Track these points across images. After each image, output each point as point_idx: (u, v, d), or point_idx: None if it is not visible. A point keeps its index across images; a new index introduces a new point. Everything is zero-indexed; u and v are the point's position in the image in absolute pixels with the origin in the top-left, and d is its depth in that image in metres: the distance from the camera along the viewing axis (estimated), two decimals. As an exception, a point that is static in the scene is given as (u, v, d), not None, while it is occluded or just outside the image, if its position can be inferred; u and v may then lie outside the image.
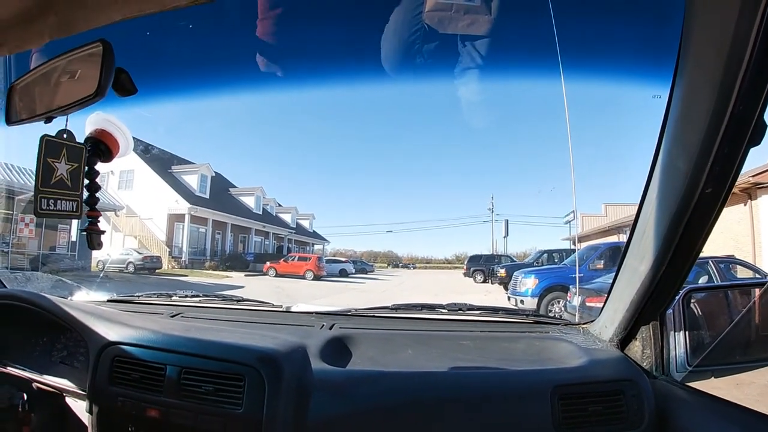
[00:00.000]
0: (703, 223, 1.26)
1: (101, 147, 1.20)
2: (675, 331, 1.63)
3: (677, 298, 1.62)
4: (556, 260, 16.15)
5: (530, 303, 10.33)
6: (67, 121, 1.10)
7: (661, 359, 1.61)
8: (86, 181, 1.16)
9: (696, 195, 1.19)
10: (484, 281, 20.19)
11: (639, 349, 1.65)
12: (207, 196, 26.33)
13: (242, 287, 15.73)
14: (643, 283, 1.49)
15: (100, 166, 1.22)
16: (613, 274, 1.71)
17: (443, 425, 1.46)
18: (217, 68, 1.96)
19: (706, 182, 1.15)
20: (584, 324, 2.00)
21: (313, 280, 21.03)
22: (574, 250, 18.28)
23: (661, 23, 1.39)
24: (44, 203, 1.08)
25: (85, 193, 1.17)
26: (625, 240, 1.63)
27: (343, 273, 25.12)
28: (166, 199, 24.33)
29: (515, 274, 11.79)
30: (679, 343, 1.62)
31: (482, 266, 21.12)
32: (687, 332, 1.62)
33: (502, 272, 16.28)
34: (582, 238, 24.28)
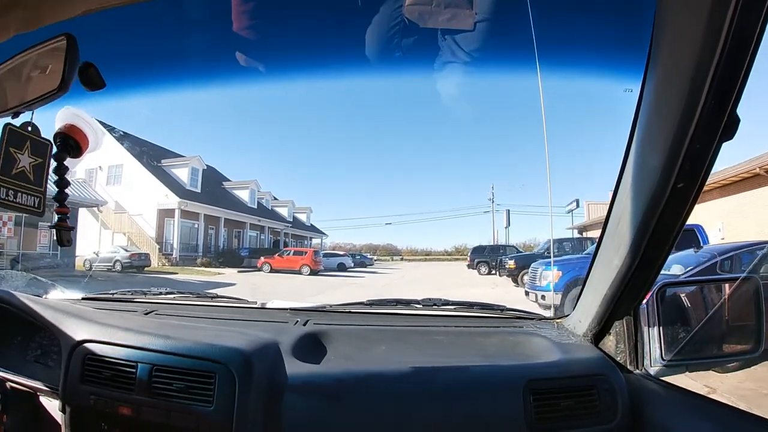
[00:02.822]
0: (676, 219, 1.27)
1: (70, 142, 1.21)
2: (649, 326, 1.63)
3: (651, 292, 1.60)
4: (567, 250, 14.97)
5: (552, 299, 9.23)
6: (32, 114, 1.11)
7: (635, 354, 1.63)
8: (55, 177, 1.18)
9: (668, 190, 1.19)
10: (489, 273, 19.69)
11: (613, 344, 1.68)
12: (198, 190, 26.07)
13: (233, 285, 15.45)
14: (616, 277, 1.50)
15: (72, 162, 1.24)
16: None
17: (416, 421, 1.47)
18: (193, 61, 1.92)
19: (678, 177, 1.15)
20: (559, 319, 2.03)
21: (309, 275, 20.76)
22: (585, 239, 17.12)
23: (633, 14, 1.38)
24: (2, 192, 1.09)
25: (55, 189, 1.19)
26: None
27: (342, 267, 24.69)
28: (156, 193, 24.08)
29: (533, 266, 10.74)
30: (653, 337, 1.62)
31: (486, 258, 20.61)
32: (661, 327, 1.61)
33: (510, 264, 15.48)
34: (588, 227, 23.96)
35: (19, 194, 1.12)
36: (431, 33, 1.65)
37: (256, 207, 29.67)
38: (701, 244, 10.06)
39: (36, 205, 1.15)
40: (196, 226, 25.33)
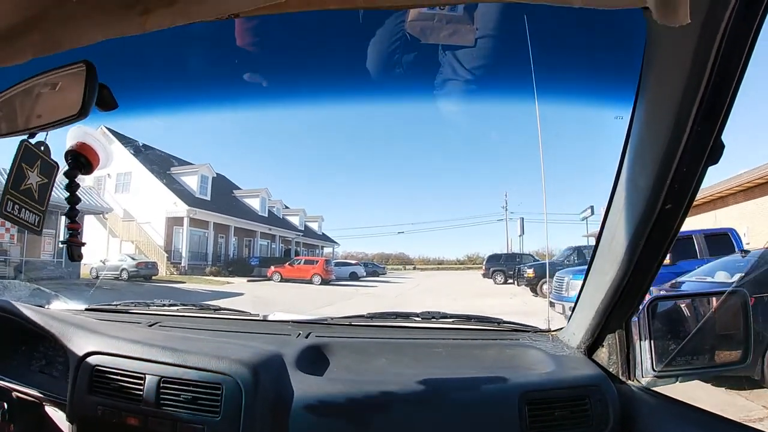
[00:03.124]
0: (664, 237, 1.32)
1: (81, 160, 1.21)
2: (640, 338, 1.67)
3: (642, 306, 1.64)
4: (587, 258, 13.99)
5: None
6: (47, 135, 1.12)
7: (627, 365, 1.68)
8: (66, 194, 1.20)
9: (656, 211, 1.24)
10: (505, 282, 19.21)
11: (606, 355, 1.72)
12: (208, 198, 25.78)
13: (240, 294, 15.16)
14: (608, 291, 1.55)
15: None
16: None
17: (415, 431, 1.51)
18: (204, 84, 1.98)
19: (666, 199, 1.21)
20: (554, 331, 2.07)
21: (320, 284, 20.32)
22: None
23: (624, 47, 1.41)
24: (9, 206, 1.10)
25: (66, 205, 1.21)
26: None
27: (354, 276, 24.24)
28: (164, 201, 23.86)
29: (559, 275, 10.34)
30: (644, 349, 1.66)
31: (502, 266, 20.05)
32: (652, 339, 1.65)
33: (530, 273, 15.12)
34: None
35: (24, 210, 1.13)
36: (436, 47, 1.70)
37: (266, 215, 29.33)
38: (736, 249, 10.06)
39: (36, 223, 1.15)
40: (205, 234, 25.07)
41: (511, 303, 12.78)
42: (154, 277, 20.50)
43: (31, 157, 1.13)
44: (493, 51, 1.66)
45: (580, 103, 1.79)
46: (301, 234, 32.13)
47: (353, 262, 27.58)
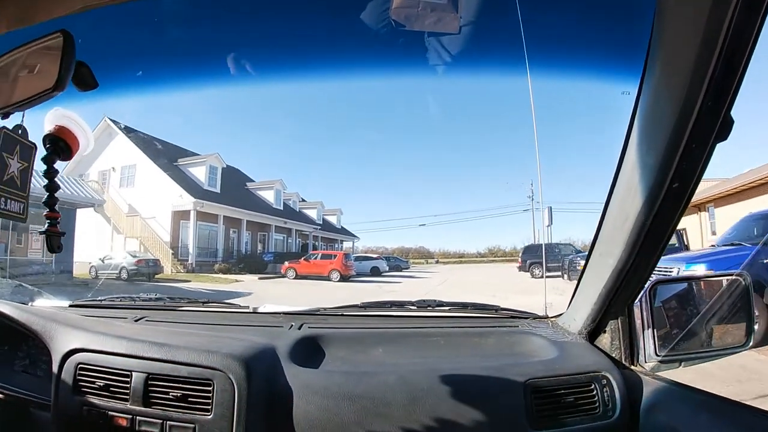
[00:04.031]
0: (670, 218, 1.31)
1: (60, 144, 1.15)
2: (643, 323, 1.67)
3: (644, 290, 1.63)
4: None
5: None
6: (23, 116, 1.11)
7: (630, 350, 1.68)
8: (45, 181, 1.14)
9: (663, 190, 1.23)
10: (544, 275, 17.34)
11: (608, 341, 1.72)
12: (217, 190, 24.17)
13: (248, 294, 13.59)
14: (611, 276, 1.54)
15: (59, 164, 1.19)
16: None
17: (417, 424, 1.46)
18: (197, 60, 1.84)
19: (674, 177, 1.19)
20: (553, 317, 2.07)
21: (339, 281, 18.56)
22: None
23: (631, 18, 1.40)
24: (6, 203, 1.11)
25: (45, 194, 1.15)
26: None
27: (375, 271, 22.57)
28: (170, 194, 22.32)
29: (664, 263, 8.30)
30: (647, 334, 1.66)
31: (540, 258, 18.18)
32: (655, 323, 1.65)
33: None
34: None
35: (9, 201, 1.12)
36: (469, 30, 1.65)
37: (282, 208, 27.85)
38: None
39: (21, 211, 1.15)
40: (216, 229, 23.50)
41: (562, 301, 10.78)
42: (157, 276, 19.00)
43: (10, 144, 1.10)
44: (491, 26, 1.61)
45: (583, 78, 1.69)
46: (319, 228, 30.71)
47: (374, 256, 25.84)
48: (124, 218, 22.90)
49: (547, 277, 16.86)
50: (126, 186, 23.64)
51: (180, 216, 22.34)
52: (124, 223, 22.89)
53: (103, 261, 19.21)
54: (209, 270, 21.12)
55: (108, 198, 22.81)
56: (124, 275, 18.07)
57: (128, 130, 23.53)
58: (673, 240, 15.17)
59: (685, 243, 13.84)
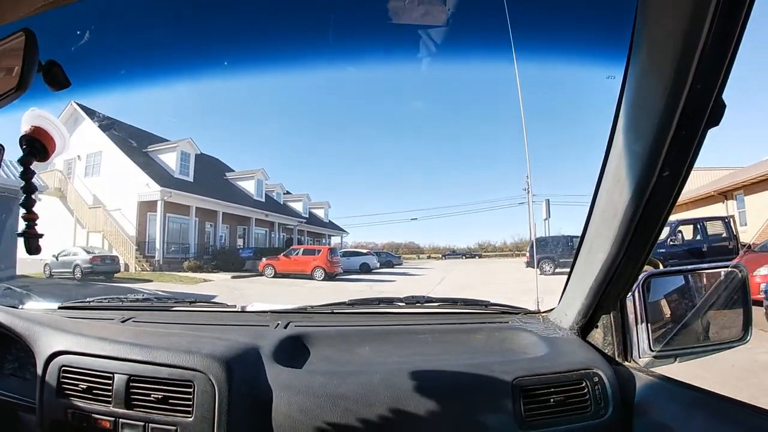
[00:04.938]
0: (661, 208, 1.29)
1: (36, 145, 1.13)
2: (636, 317, 1.66)
3: (637, 283, 1.63)
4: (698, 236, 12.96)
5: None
6: None
7: (623, 346, 1.67)
8: (22, 182, 1.13)
9: (653, 179, 1.21)
10: (555, 272, 15.54)
11: (600, 336, 1.71)
12: (190, 178, 21.88)
13: (213, 297, 11.24)
14: (601, 269, 1.53)
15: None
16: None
17: (402, 424, 1.46)
18: (169, 55, 1.84)
19: (663, 165, 1.17)
20: (544, 312, 2.06)
21: (324, 280, 16.64)
22: (719, 218, 14.93)
23: None
24: None
25: (22, 195, 1.13)
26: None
27: (365, 268, 20.77)
28: (138, 184, 20.07)
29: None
30: (640, 329, 1.64)
31: (553, 253, 16.37)
32: (648, 318, 1.64)
33: None
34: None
35: None
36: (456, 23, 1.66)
37: (263, 200, 25.66)
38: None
39: None
40: (188, 222, 21.34)
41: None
42: (117, 275, 17.08)
43: None
44: (476, 15, 1.60)
45: (569, 62, 1.67)
46: (304, 221, 28.52)
47: (364, 251, 23.82)
48: (86, 210, 20.76)
49: (558, 273, 15.01)
50: (91, 175, 21.43)
51: (147, 207, 20.15)
52: (87, 216, 20.73)
53: (57, 258, 17.17)
54: (178, 268, 19.15)
55: (71, 189, 20.88)
56: (78, 274, 16.21)
57: (93, 114, 21.24)
58: (720, 229, 13.73)
59: (734, 233, 12.49)
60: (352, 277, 18.13)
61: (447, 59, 1.75)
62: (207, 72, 1.90)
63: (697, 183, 22.94)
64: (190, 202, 20.76)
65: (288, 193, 28.43)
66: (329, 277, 16.72)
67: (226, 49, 1.76)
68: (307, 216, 28.79)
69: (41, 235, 1.12)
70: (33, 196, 1.13)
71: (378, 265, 21.96)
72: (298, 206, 28.48)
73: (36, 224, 1.12)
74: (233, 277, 17.28)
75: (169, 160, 21.50)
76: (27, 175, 1.11)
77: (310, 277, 16.48)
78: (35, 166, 1.12)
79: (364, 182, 40.23)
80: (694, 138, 1.08)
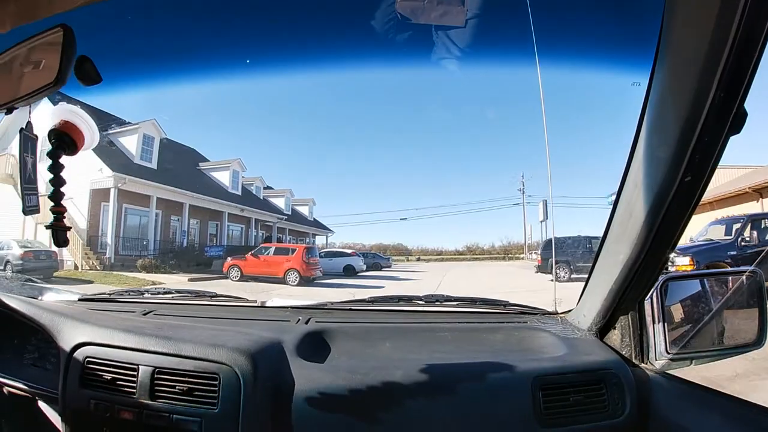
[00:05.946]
0: (683, 212, 1.30)
1: (65, 139, 1.16)
2: (653, 320, 1.64)
3: (655, 286, 1.61)
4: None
5: None
6: (30, 111, 1.13)
7: (641, 348, 1.66)
8: (50, 175, 1.14)
9: (675, 183, 1.22)
10: (570, 278, 13.38)
11: (618, 338, 1.71)
12: (153, 165, 19.62)
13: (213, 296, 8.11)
14: (621, 272, 1.53)
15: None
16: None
17: (424, 420, 1.48)
18: (191, 54, 1.91)
19: (686, 170, 1.18)
20: (562, 313, 2.06)
21: (298, 285, 14.44)
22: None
23: (641, 7, 1.41)
24: (29, 200, 1.13)
25: (50, 188, 1.14)
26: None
27: (349, 271, 18.72)
28: (92, 169, 17.55)
29: None
30: (657, 331, 1.63)
31: (571, 256, 14.04)
32: (665, 320, 1.62)
33: (685, 263, 10.24)
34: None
35: (31, 197, 1.13)
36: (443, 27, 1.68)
37: (239, 193, 23.51)
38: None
39: (36, 204, 1.15)
40: (148, 214, 19.08)
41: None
42: (56, 274, 14.80)
43: (26, 143, 1.12)
44: (484, 16, 1.60)
45: (592, 69, 1.72)
46: (285, 218, 26.36)
47: (349, 251, 21.58)
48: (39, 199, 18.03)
49: (575, 280, 12.98)
50: (43, 160, 18.51)
51: (101, 197, 17.84)
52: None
53: (-12, 252, 14.95)
54: (132, 267, 16.86)
55: (22, 175, 18.09)
56: (8, 271, 13.91)
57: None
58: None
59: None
60: (334, 282, 15.90)
61: (446, 59, 1.72)
62: (206, 72, 1.94)
63: (716, 182, 21.11)
64: (150, 191, 18.52)
65: (269, 187, 26.58)
66: (305, 281, 14.63)
67: (226, 49, 1.80)
68: (290, 213, 26.76)
69: (69, 228, 1.16)
70: (62, 190, 1.13)
71: (364, 267, 19.85)
72: (279, 202, 26.61)
73: (64, 217, 1.14)
74: (190, 280, 14.93)
75: (129, 143, 19.20)
76: (55, 168, 1.12)
77: (282, 282, 14.43)
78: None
79: (353, 180, 39.13)
80: (716, 144, 1.10)
